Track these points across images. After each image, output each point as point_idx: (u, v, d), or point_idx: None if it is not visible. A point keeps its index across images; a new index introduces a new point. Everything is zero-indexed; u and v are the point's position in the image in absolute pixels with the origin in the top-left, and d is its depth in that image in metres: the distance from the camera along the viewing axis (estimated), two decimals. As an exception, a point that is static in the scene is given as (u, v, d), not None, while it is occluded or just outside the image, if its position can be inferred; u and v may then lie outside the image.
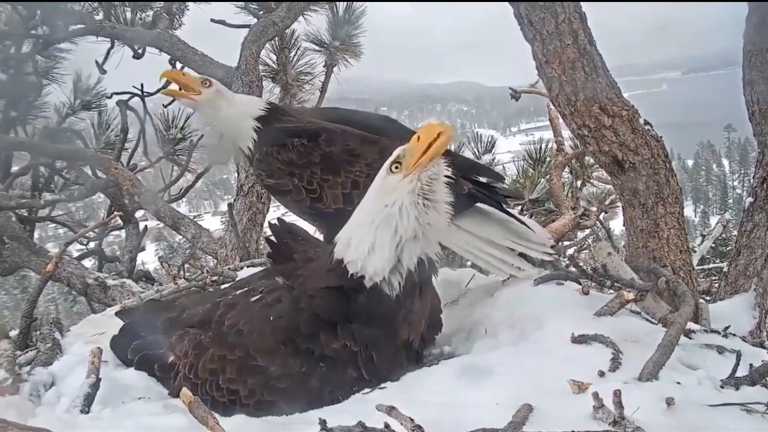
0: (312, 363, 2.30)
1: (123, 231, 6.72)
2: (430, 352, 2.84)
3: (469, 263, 3.62)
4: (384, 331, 2.37)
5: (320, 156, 3.11)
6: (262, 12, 6.59)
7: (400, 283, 2.33)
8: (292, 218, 3.17)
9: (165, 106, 7.23)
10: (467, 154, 9.27)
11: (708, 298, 4.74)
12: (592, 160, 7.82)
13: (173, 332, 2.61)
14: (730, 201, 67.98)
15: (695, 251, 7.65)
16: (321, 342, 2.30)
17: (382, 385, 2.32)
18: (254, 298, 2.50)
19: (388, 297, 2.33)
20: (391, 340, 2.39)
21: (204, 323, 2.54)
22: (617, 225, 9.37)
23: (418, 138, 2.23)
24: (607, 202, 8.66)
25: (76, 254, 6.83)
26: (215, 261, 5.38)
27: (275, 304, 2.42)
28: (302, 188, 3.09)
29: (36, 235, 7.48)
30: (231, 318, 2.46)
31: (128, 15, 6.87)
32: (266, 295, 2.48)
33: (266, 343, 2.36)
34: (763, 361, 2.16)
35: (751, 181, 4.01)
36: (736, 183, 74.10)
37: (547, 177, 8.15)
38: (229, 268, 3.91)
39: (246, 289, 2.62)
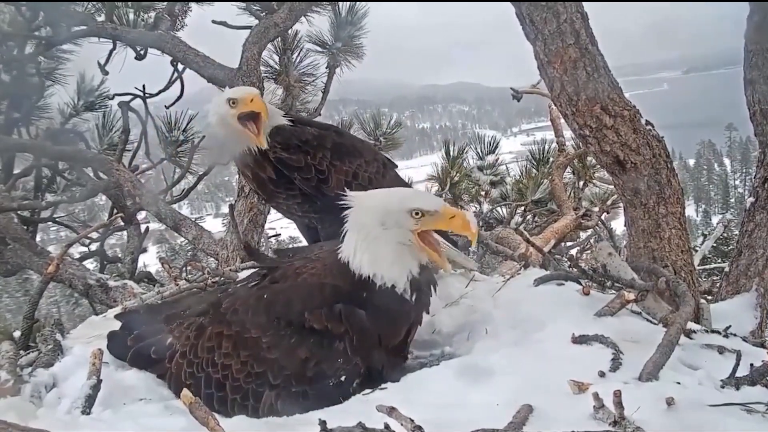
0: (302, 335, 2.37)
1: (125, 233, 6.74)
2: (431, 353, 2.85)
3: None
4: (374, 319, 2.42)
5: (332, 143, 3.37)
6: (263, 13, 6.58)
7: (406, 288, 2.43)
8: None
9: (167, 107, 7.25)
10: (470, 155, 9.30)
11: (709, 297, 4.73)
12: (594, 161, 7.83)
13: (174, 322, 2.69)
14: (732, 200, 67.74)
15: (697, 251, 7.64)
16: (307, 318, 2.38)
17: (383, 385, 2.34)
18: (252, 284, 2.63)
19: (393, 297, 2.42)
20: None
21: (204, 312, 2.62)
22: (619, 225, 9.38)
23: (453, 217, 2.39)
24: (608, 203, 8.65)
25: (77, 256, 6.84)
26: (216, 262, 5.39)
27: (271, 284, 2.54)
28: (313, 167, 3.28)
29: (38, 237, 7.51)
30: (229, 301, 2.57)
31: (130, 16, 6.87)
32: (262, 279, 2.61)
33: (260, 317, 2.44)
34: (763, 361, 2.16)
35: (753, 180, 4.00)
36: (737, 182, 73.91)
37: (549, 177, 8.16)
38: (230, 270, 3.91)
39: (244, 282, 2.74)
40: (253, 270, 2.94)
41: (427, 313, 2.61)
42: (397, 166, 3.80)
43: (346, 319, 2.36)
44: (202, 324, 2.55)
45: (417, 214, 2.37)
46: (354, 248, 2.42)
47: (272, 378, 2.34)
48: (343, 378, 2.33)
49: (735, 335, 2.81)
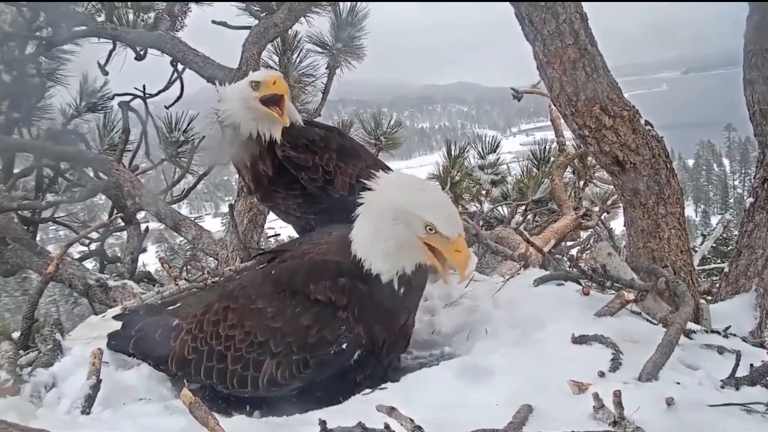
0: (306, 304, 2.40)
1: (124, 233, 6.74)
2: (431, 353, 2.85)
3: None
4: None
5: (336, 144, 3.39)
6: (263, 14, 6.58)
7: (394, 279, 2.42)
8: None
9: (167, 108, 7.24)
10: (471, 154, 9.32)
11: (709, 298, 4.73)
12: (594, 161, 7.82)
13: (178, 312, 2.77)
14: (731, 201, 67.74)
15: (696, 251, 7.64)
16: (312, 290, 2.41)
17: (383, 385, 2.34)
18: (260, 266, 2.70)
19: (379, 285, 2.42)
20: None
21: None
22: (619, 225, 9.37)
23: (458, 251, 2.34)
24: (608, 203, 8.65)
25: (77, 255, 6.84)
26: (216, 262, 5.39)
27: (279, 264, 2.60)
28: (320, 167, 3.29)
29: (38, 237, 7.51)
30: (237, 282, 2.65)
31: (130, 17, 6.87)
32: (269, 262, 2.68)
33: (266, 289, 2.49)
34: (763, 361, 2.16)
35: (752, 181, 4.01)
36: (737, 183, 73.92)
37: (550, 177, 8.16)
38: (230, 269, 3.91)
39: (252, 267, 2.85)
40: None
41: (415, 310, 2.61)
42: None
43: (349, 293, 2.38)
44: (210, 302, 2.60)
45: (431, 229, 2.33)
46: (358, 229, 2.45)
47: (274, 346, 2.36)
48: (344, 346, 2.33)
49: (735, 335, 2.81)
